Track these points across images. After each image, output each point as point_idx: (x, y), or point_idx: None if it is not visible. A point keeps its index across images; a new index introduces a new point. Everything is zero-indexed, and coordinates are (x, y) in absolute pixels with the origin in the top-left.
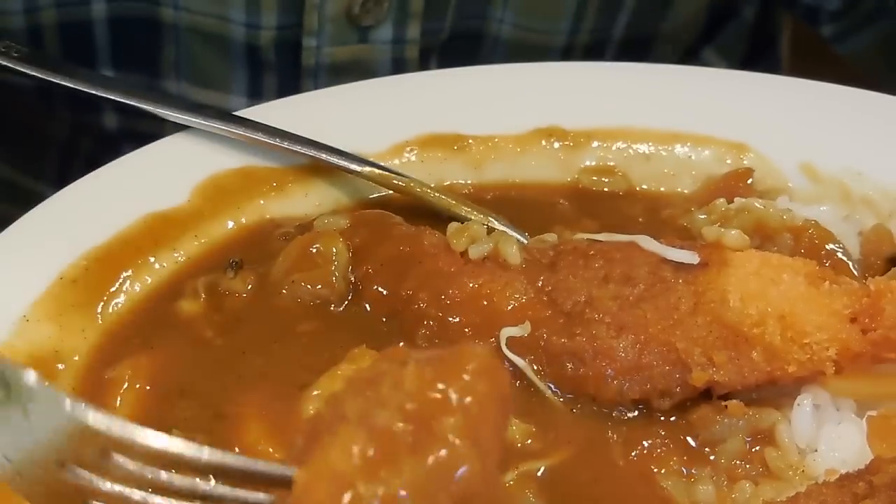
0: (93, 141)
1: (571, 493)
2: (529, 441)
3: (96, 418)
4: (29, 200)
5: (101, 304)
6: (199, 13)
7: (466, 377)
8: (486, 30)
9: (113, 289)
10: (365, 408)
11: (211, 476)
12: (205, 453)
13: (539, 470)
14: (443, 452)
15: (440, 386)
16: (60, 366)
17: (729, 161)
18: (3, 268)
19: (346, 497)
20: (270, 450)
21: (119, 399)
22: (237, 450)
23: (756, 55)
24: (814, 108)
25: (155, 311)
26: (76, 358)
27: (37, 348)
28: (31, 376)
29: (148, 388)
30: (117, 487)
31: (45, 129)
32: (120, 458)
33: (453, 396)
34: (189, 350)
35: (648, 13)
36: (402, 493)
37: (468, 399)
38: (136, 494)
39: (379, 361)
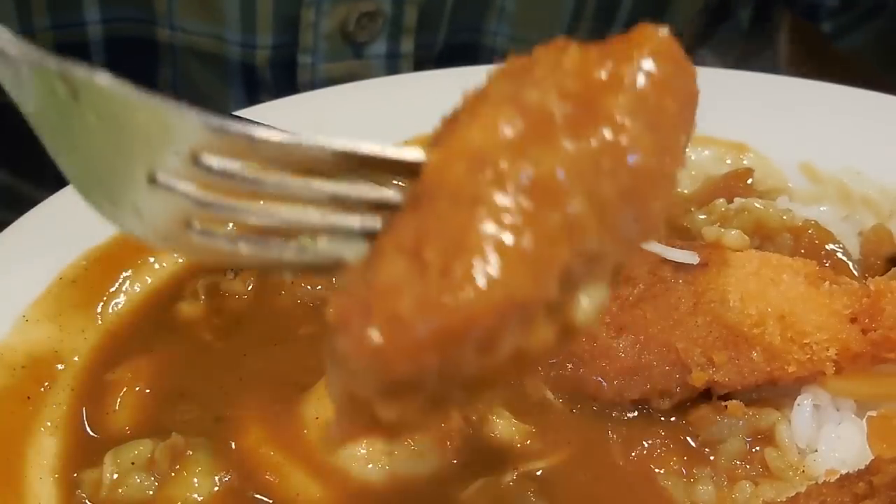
0: None
1: (571, 493)
2: (529, 441)
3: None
4: (29, 207)
5: (101, 304)
6: (195, 33)
7: (642, 60)
8: (480, 42)
9: (113, 289)
10: (514, 89)
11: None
12: (318, 144)
13: (539, 470)
14: (608, 133)
15: (609, 65)
16: (60, 366)
17: (729, 161)
18: (2, 268)
19: (487, 174)
20: (271, 453)
21: (119, 402)
22: (236, 452)
23: (751, 55)
24: (814, 108)
25: (155, 313)
26: (76, 358)
27: (36, 348)
28: (103, 78)
29: (148, 391)
30: (227, 202)
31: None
32: (220, 162)
33: (625, 77)
34: (189, 352)
35: (643, 21)
36: (559, 172)
37: (642, 81)
38: (251, 206)
39: (534, 51)
